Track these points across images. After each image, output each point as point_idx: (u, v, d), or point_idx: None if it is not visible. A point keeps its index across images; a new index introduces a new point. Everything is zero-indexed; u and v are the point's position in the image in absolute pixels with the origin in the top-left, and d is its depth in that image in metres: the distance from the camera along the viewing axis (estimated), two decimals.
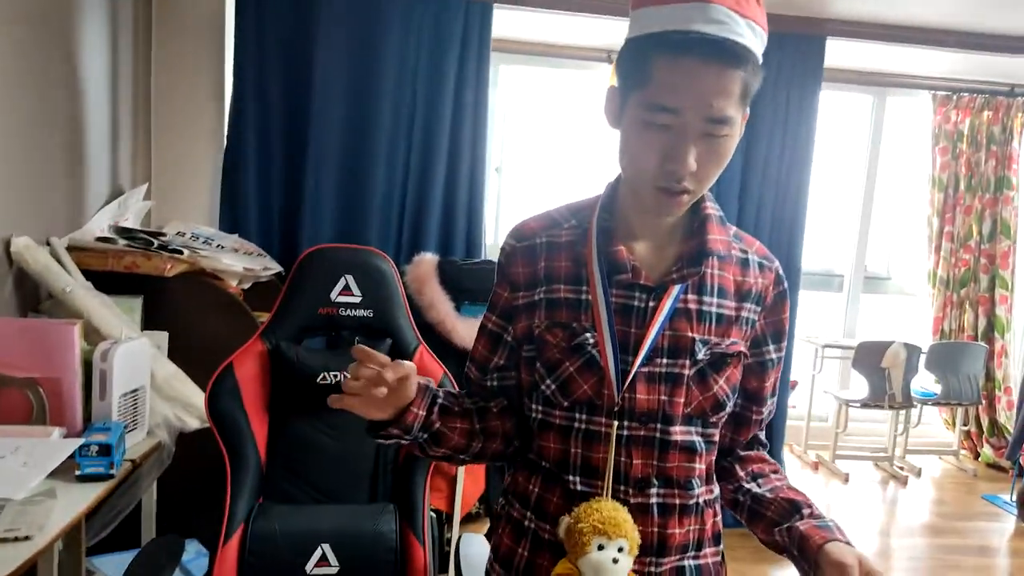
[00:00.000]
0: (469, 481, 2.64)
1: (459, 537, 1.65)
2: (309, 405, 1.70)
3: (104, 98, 2.57)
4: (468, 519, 2.98)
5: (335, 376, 1.72)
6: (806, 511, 0.99)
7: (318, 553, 1.55)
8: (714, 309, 0.98)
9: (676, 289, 0.97)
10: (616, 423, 0.95)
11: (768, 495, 1.04)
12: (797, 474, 4.28)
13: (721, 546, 1.06)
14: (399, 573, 1.60)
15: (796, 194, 3.54)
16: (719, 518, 1.06)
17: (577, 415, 0.98)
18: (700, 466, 1.00)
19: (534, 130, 4.34)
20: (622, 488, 0.96)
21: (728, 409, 1.02)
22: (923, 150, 4.54)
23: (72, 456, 1.55)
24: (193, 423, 2.07)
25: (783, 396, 3.61)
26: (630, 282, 0.97)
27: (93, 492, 1.55)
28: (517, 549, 1.03)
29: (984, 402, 4.60)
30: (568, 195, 1.09)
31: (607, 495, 0.95)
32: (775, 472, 1.09)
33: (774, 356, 1.06)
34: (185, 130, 3.02)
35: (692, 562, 1.01)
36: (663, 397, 0.96)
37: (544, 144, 4.35)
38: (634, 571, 0.93)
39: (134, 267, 2.19)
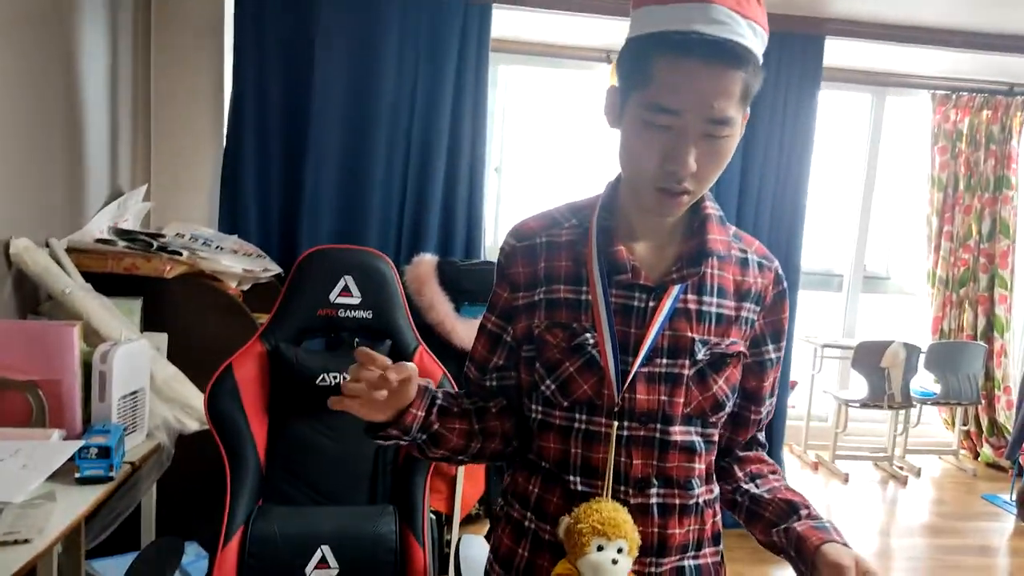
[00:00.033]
0: (469, 483, 2.63)
1: (459, 539, 1.65)
2: (309, 406, 1.70)
3: (103, 99, 2.57)
4: (468, 521, 2.97)
5: (335, 377, 1.71)
6: (804, 512, 0.99)
7: (318, 555, 1.55)
8: (714, 309, 0.98)
9: (676, 289, 0.97)
10: (616, 423, 0.95)
11: (766, 496, 1.04)
12: (797, 474, 4.28)
13: (721, 546, 1.06)
14: (399, 575, 1.59)
15: (795, 193, 3.54)
16: (719, 518, 1.06)
17: (577, 415, 0.98)
18: (700, 466, 1.00)
19: (534, 130, 4.33)
20: (622, 488, 0.96)
21: (728, 409, 1.02)
22: (922, 149, 4.54)
23: (72, 458, 1.55)
24: (193, 425, 2.06)
25: (782, 396, 3.60)
26: (630, 282, 0.97)
27: (92, 495, 1.55)
28: (517, 550, 1.03)
29: (983, 402, 4.60)
30: (568, 195, 1.09)
31: (607, 495, 0.94)
32: (773, 473, 1.09)
33: (773, 356, 1.06)
34: (184, 131, 3.02)
35: (692, 562, 1.01)
36: (663, 397, 0.96)
37: (544, 144, 4.35)
38: (634, 571, 0.93)
39: (133, 269, 2.19)
